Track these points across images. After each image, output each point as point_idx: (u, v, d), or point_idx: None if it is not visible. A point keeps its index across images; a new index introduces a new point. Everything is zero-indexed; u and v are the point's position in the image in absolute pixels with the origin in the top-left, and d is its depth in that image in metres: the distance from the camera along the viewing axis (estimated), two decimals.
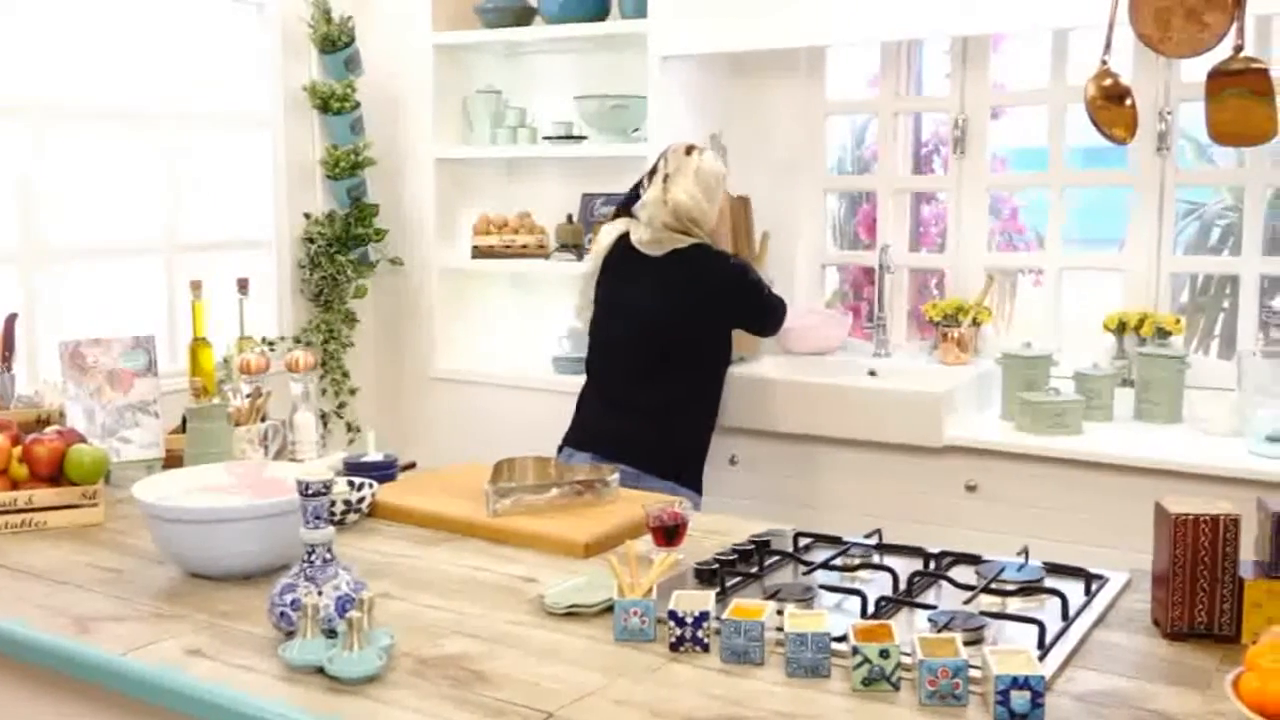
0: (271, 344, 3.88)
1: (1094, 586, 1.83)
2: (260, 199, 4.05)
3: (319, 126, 4.11)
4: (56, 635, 1.72)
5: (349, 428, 4.15)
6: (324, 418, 4.14)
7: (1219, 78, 2.15)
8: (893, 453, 3.23)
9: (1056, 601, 1.73)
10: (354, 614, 1.57)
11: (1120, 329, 3.42)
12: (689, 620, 1.63)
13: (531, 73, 4.22)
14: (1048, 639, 1.61)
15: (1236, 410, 3.08)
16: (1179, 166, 3.48)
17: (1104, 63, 2.33)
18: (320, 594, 1.66)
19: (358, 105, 4.09)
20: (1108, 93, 2.35)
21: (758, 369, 3.64)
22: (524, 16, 3.96)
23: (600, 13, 3.83)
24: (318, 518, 1.69)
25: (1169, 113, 3.38)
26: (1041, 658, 1.55)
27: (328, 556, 1.70)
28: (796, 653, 1.54)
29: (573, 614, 1.77)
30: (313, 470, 1.86)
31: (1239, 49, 2.12)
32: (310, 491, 1.68)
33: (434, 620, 1.76)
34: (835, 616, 1.68)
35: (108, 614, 1.81)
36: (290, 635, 1.65)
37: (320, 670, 1.56)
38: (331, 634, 1.62)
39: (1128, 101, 2.36)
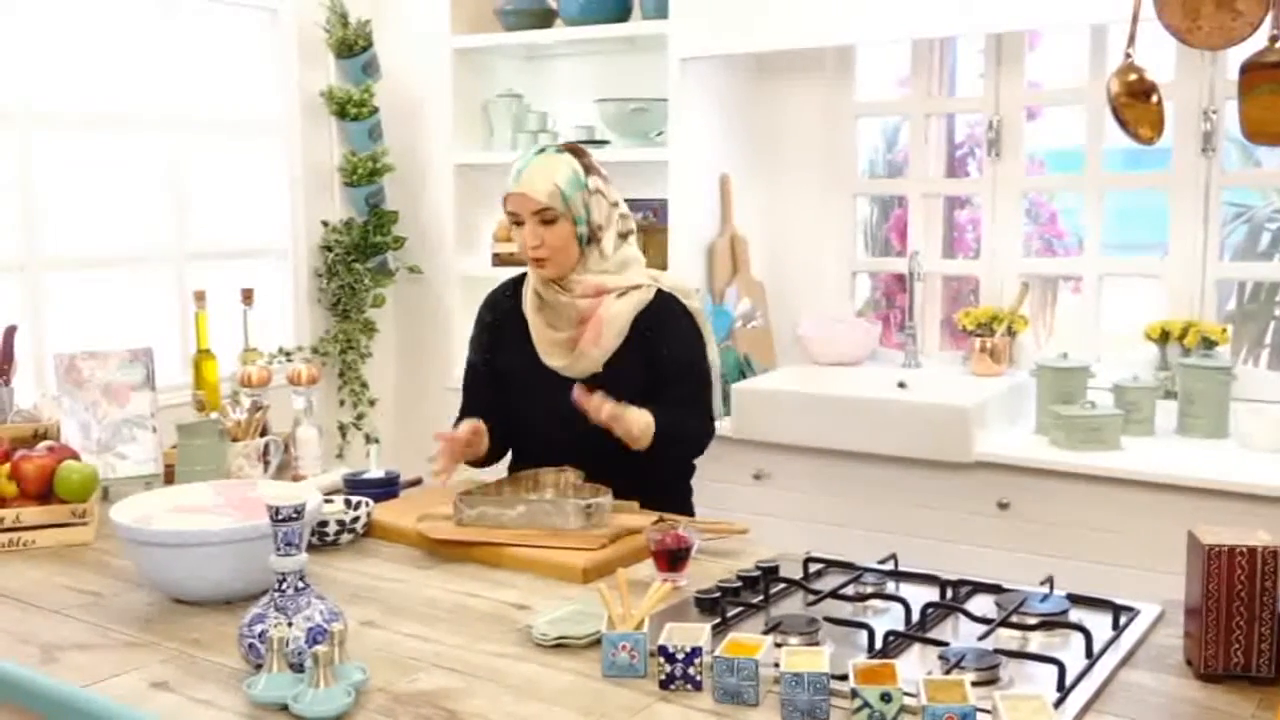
0: (289, 354, 3.83)
1: (1122, 620, 1.70)
2: (277, 207, 3.99)
3: (336, 132, 4.05)
4: (20, 664, 1.64)
5: (367, 439, 4.08)
6: (342, 429, 4.08)
7: (1253, 71, 2.00)
8: (920, 468, 3.09)
9: (1081, 637, 1.61)
10: (321, 649, 1.47)
11: (1163, 338, 3.27)
12: (680, 656, 1.52)
13: (552, 76, 4.13)
14: (1068, 680, 1.48)
15: None
16: (1224, 168, 3.32)
17: (1128, 56, 2.19)
18: (290, 625, 1.57)
19: (376, 111, 4.02)
20: (1132, 89, 2.20)
21: (780, 381, 3.52)
22: (544, 19, 3.87)
23: (621, 14, 3.73)
24: (289, 544, 1.60)
25: (1213, 112, 3.23)
26: (1060, 701, 1.43)
27: (300, 585, 1.61)
28: (792, 694, 1.43)
29: (561, 645, 1.66)
30: (288, 493, 1.77)
31: (1276, 39, 1.97)
32: (281, 517, 1.59)
33: (413, 651, 1.66)
34: (840, 652, 1.57)
35: (77, 641, 1.73)
36: (260, 668, 1.56)
37: (286, 708, 1.47)
38: (301, 668, 1.52)
39: (1154, 98, 2.21)
